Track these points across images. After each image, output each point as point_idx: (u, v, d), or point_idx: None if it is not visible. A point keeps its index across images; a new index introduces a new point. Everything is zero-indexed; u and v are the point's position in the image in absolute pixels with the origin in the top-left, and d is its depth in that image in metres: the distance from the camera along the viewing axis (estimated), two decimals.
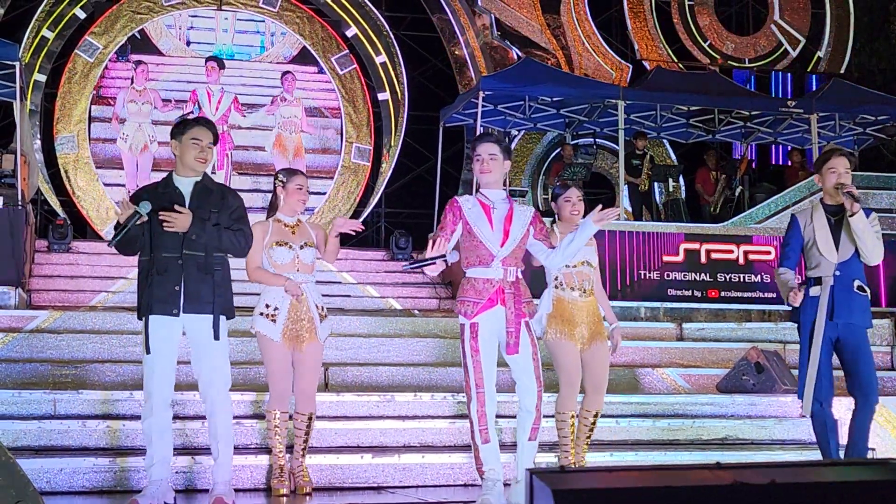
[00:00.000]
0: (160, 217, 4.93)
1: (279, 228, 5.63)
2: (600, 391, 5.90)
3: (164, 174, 5.29)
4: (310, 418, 5.66)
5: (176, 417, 6.30)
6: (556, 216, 5.96)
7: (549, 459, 6.07)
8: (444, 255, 4.78)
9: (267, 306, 5.55)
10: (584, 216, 5.56)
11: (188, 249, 4.98)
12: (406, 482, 5.99)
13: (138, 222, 4.91)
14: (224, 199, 5.17)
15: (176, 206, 4.95)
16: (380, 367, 7.69)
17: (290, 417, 5.74)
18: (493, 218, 5.02)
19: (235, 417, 6.23)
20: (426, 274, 5.05)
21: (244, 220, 5.21)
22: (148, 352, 4.99)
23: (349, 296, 10.70)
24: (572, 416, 5.78)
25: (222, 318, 5.06)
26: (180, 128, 5.16)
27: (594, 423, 5.94)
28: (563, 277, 5.82)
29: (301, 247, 5.60)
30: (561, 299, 5.80)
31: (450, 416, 6.78)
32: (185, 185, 5.13)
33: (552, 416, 5.80)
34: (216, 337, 5.00)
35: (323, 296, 5.89)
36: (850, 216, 5.49)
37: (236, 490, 5.39)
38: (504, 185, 5.29)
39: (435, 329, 8.87)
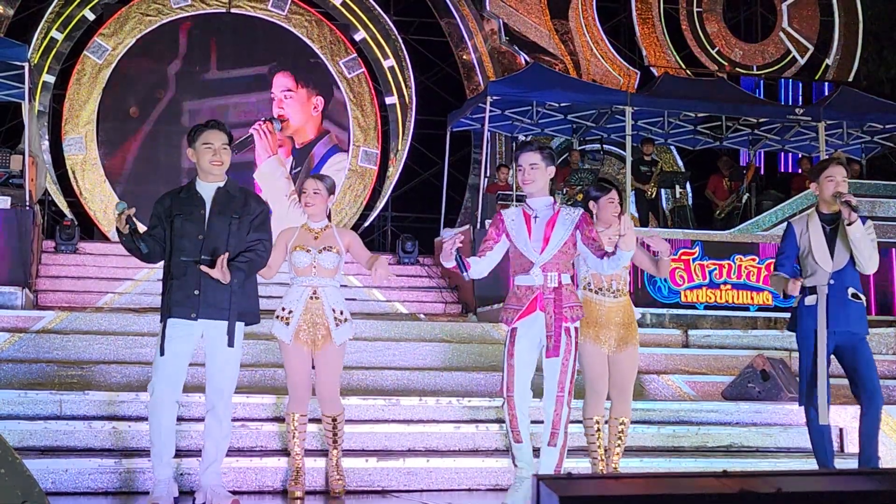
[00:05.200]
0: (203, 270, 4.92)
1: (303, 233, 5.68)
2: (624, 398, 5.79)
3: None
4: (334, 420, 5.70)
5: (181, 419, 6.32)
6: (595, 217, 5.78)
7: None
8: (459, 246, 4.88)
9: (283, 309, 5.59)
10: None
11: (208, 255, 4.99)
12: (411, 486, 5.98)
13: (126, 223, 4.88)
14: (246, 204, 5.16)
15: (206, 269, 4.91)
16: (385, 371, 7.69)
17: (312, 420, 5.80)
18: (533, 226, 5.05)
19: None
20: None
21: (264, 226, 5.20)
22: (162, 353, 5.00)
23: (355, 299, 10.70)
24: (598, 422, 5.70)
25: (241, 324, 5.08)
26: (193, 134, 5.18)
27: (622, 431, 5.79)
28: (592, 278, 5.71)
29: (320, 251, 5.60)
30: (589, 301, 5.68)
31: (455, 420, 6.77)
32: (206, 190, 5.15)
33: (580, 422, 5.77)
34: (230, 344, 5.02)
35: None
36: (848, 225, 5.49)
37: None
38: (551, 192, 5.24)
39: (440, 333, 8.86)
